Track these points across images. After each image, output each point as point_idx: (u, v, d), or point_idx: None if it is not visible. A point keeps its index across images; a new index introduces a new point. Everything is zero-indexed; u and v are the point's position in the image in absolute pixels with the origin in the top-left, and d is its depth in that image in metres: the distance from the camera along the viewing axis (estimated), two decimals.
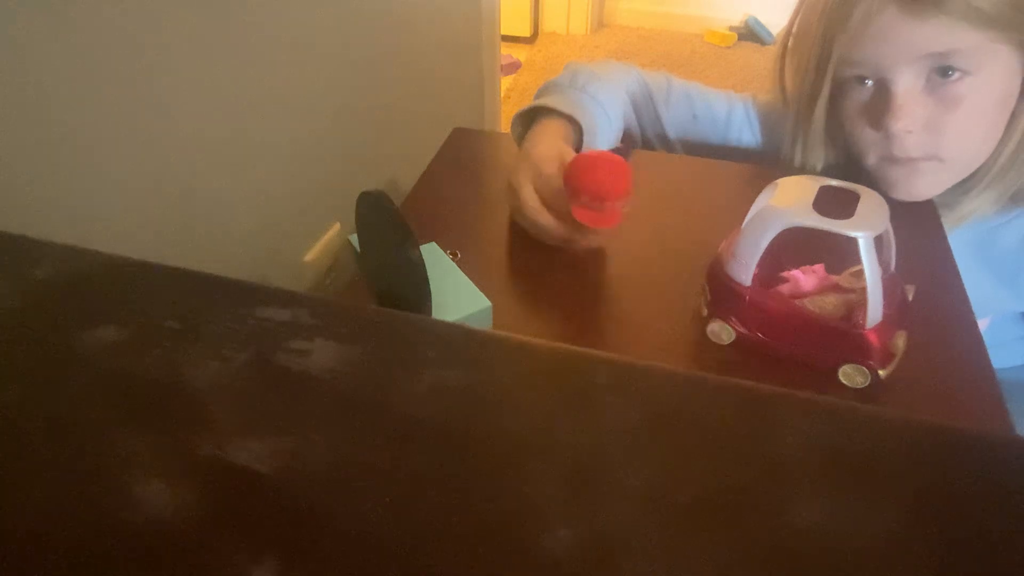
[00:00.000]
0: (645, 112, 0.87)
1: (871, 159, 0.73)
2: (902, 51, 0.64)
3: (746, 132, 0.88)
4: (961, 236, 0.73)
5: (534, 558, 0.22)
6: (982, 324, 0.59)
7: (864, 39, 0.66)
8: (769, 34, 2.80)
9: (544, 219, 0.65)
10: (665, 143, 0.89)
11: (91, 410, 0.27)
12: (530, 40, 2.82)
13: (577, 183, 0.62)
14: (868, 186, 0.54)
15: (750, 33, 2.83)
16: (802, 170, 0.79)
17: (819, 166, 0.79)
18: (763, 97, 0.87)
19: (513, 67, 2.58)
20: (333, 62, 0.92)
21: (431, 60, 1.26)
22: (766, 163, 0.85)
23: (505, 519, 0.24)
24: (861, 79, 0.69)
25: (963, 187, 0.72)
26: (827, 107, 0.73)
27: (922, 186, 0.72)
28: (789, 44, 0.77)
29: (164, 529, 0.23)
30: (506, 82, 2.46)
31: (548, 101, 0.74)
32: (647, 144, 0.90)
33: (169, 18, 0.63)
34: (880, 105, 0.68)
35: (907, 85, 0.66)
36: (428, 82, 1.26)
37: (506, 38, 2.40)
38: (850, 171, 0.76)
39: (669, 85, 0.87)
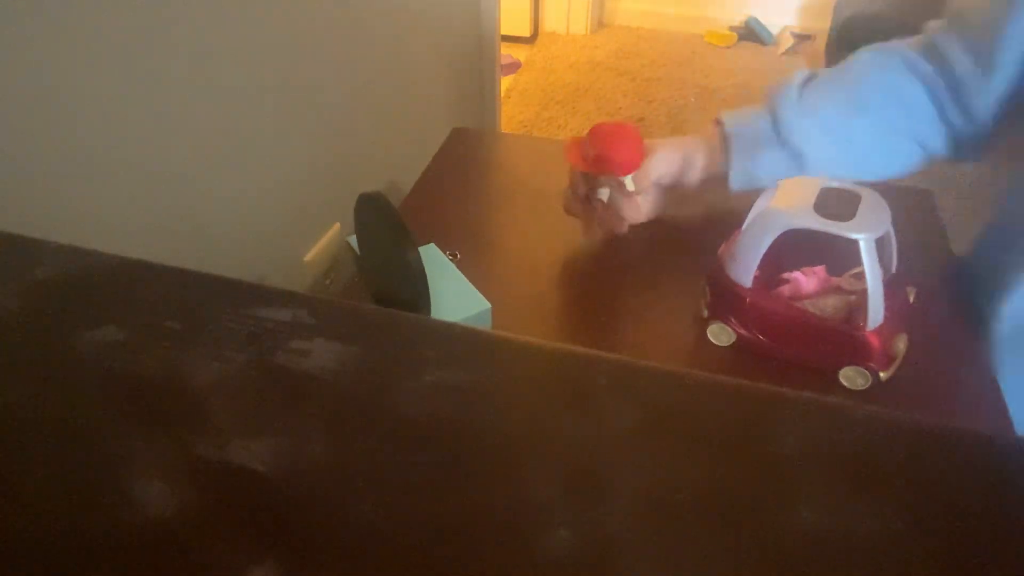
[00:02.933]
0: None
1: None
2: None
3: None
4: None
5: (534, 558, 0.22)
6: None
7: None
8: (769, 34, 2.80)
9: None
10: None
11: (91, 410, 0.27)
12: (530, 40, 2.82)
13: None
14: None
15: (750, 33, 2.82)
16: None
17: None
18: None
19: (513, 67, 2.58)
20: (333, 63, 0.92)
21: (431, 60, 1.26)
22: None
23: (505, 519, 0.24)
24: None
25: None
26: None
27: None
28: None
29: (164, 529, 0.23)
30: (506, 82, 2.46)
31: None
32: None
33: (170, 19, 0.63)
34: None
35: None
36: (428, 82, 1.26)
37: (506, 38, 2.40)
38: None
39: None
